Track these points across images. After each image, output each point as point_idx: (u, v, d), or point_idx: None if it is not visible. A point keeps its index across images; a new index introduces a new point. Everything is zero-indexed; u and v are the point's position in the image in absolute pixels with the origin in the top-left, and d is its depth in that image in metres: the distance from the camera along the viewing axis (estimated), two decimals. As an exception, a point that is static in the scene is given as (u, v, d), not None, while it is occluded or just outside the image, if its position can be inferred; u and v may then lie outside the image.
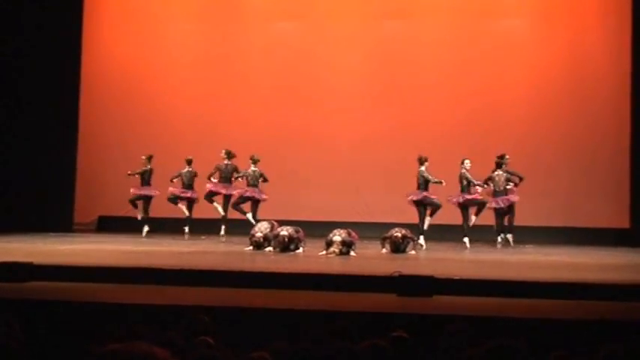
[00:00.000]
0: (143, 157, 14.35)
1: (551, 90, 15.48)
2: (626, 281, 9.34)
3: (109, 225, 15.36)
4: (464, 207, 13.23)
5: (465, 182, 13.14)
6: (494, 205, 13.20)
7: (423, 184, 13.08)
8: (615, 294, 8.51)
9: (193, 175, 14.32)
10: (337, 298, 8.31)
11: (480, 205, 13.18)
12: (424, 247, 12.97)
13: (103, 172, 15.50)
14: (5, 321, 4.76)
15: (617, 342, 4.44)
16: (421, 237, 13.03)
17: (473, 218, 13.20)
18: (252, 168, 13.93)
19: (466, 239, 13.16)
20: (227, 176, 14.11)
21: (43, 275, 9.06)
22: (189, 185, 14.32)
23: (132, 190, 14.36)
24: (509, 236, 13.27)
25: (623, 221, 14.93)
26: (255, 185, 13.87)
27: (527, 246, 13.28)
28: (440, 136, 15.40)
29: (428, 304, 8.15)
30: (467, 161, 13.21)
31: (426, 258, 12.24)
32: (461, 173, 13.14)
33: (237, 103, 16.09)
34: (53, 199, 15.57)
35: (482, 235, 13.59)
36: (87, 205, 15.95)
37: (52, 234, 14.24)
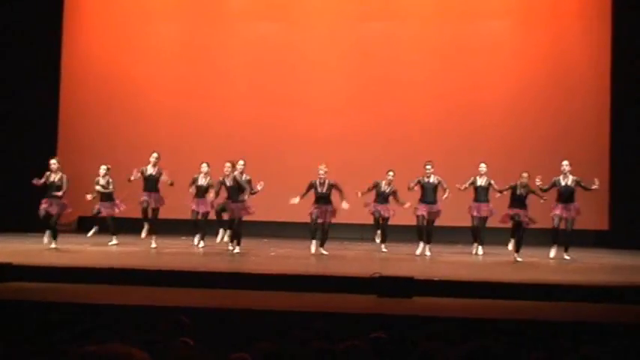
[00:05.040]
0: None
1: (531, 91, 15.55)
2: (605, 283, 9.41)
3: (89, 226, 15.20)
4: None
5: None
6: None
7: (484, 193, 12.88)
8: (594, 296, 8.57)
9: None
10: (317, 299, 8.32)
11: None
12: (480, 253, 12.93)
13: (83, 173, 15.35)
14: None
15: (596, 344, 4.47)
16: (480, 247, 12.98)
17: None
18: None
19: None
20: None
21: (22, 276, 9.01)
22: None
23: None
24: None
25: (602, 223, 15.01)
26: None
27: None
28: (420, 136, 15.44)
29: (407, 305, 8.17)
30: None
31: (405, 259, 12.27)
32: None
33: (219, 102, 16.03)
34: (32, 199, 15.42)
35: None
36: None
37: (31, 234, 14.12)
